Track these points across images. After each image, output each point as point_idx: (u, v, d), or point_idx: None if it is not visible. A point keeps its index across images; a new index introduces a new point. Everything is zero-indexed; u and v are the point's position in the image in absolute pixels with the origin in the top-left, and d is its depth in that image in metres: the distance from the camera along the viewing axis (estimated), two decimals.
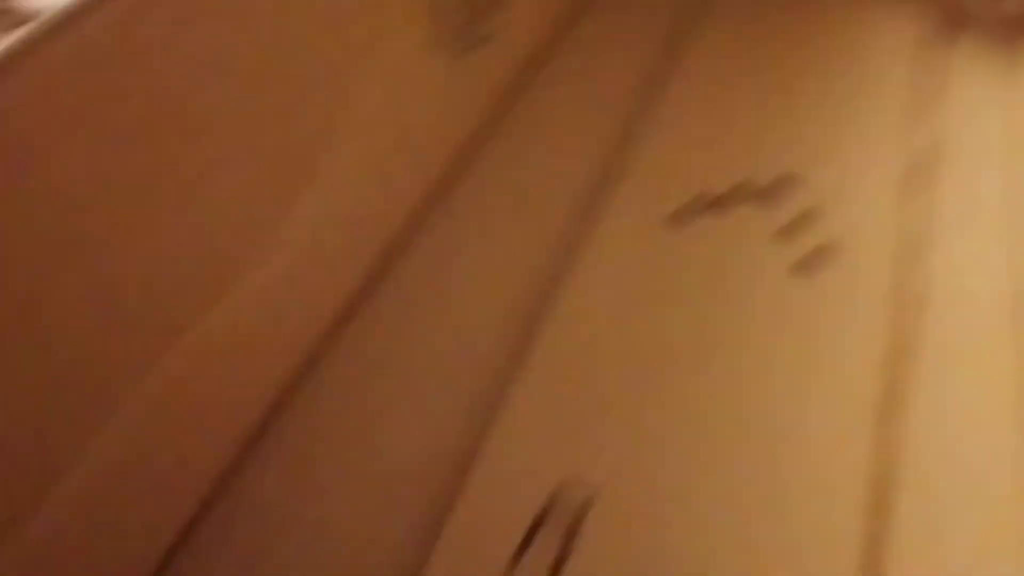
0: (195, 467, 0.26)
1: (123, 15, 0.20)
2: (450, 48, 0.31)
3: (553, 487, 0.29)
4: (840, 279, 0.36)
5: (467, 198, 0.37)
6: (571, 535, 0.28)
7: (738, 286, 0.35)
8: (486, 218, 0.37)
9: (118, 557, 0.25)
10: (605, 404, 0.31)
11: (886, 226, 0.38)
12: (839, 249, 0.37)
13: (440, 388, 0.32)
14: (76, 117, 0.19)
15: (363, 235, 0.32)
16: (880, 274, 0.36)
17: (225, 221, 0.23)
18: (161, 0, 0.20)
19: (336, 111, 0.26)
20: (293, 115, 0.25)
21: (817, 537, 0.28)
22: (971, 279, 0.37)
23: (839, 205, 0.38)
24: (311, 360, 0.32)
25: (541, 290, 0.35)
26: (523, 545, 0.28)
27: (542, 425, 0.31)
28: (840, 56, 0.47)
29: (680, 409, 0.31)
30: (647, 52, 0.45)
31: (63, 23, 0.18)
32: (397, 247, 0.35)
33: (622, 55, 0.45)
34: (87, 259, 0.20)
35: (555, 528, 0.28)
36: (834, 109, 0.43)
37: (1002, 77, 0.46)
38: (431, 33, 0.30)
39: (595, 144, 0.40)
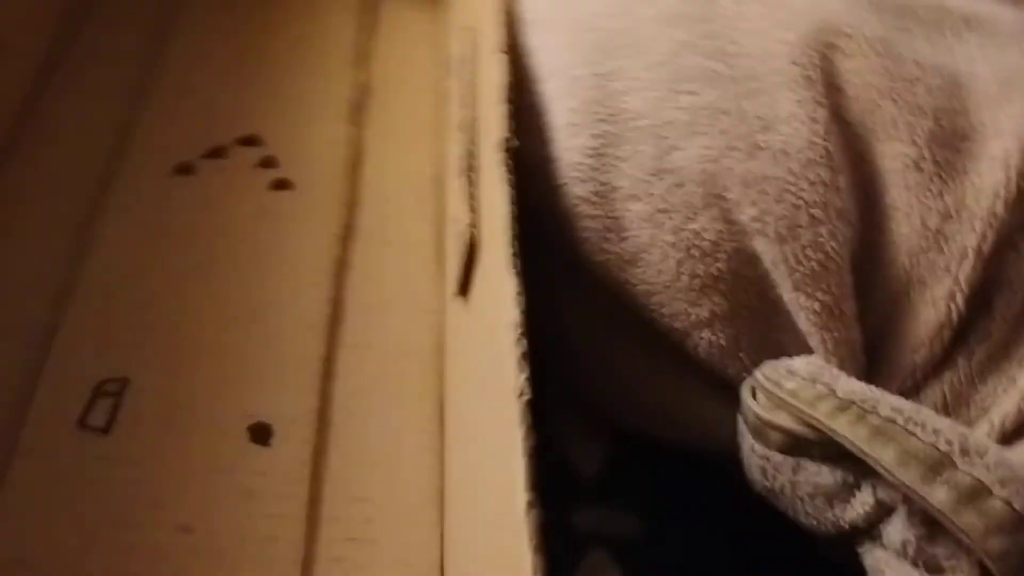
0: None
1: None
2: None
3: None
4: (301, 194, 0.44)
5: None
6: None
7: (228, 209, 0.43)
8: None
9: None
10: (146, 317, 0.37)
11: (333, 148, 0.47)
12: (301, 172, 0.45)
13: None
14: None
15: None
16: (328, 186, 0.45)
17: None
18: None
19: None
20: None
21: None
22: (398, 176, 0.47)
23: (295, 141, 0.47)
24: None
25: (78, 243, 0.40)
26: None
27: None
28: (294, 21, 0.55)
29: (195, 309, 0.38)
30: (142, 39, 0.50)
31: None
32: None
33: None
34: None
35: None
36: (291, 70, 0.51)
37: (429, 15, 0.56)
38: None
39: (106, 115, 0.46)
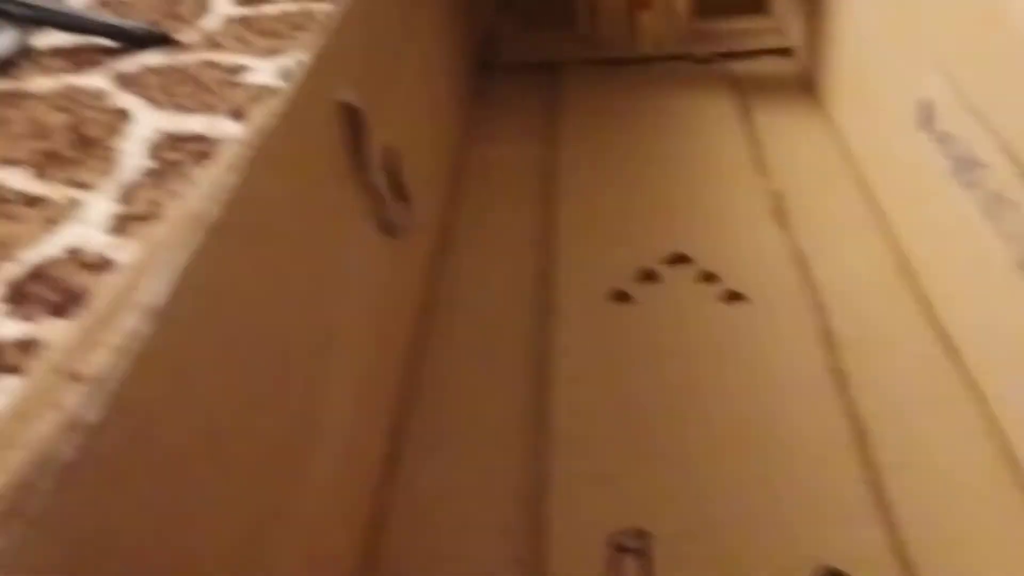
0: None
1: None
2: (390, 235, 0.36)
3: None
4: (762, 298, 0.41)
5: (445, 328, 0.41)
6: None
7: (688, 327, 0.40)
8: (466, 331, 0.40)
9: None
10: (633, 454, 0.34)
11: (774, 256, 0.44)
12: (750, 281, 0.42)
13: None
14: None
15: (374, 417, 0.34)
16: (787, 292, 0.41)
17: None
18: None
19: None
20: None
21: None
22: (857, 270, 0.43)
23: (731, 254, 0.44)
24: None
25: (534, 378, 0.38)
26: None
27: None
28: (681, 131, 0.55)
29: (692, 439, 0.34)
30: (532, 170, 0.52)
31: None
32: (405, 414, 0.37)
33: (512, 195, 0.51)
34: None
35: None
36: (699, 183, 0.50)
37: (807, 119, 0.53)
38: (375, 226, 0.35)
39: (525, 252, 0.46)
